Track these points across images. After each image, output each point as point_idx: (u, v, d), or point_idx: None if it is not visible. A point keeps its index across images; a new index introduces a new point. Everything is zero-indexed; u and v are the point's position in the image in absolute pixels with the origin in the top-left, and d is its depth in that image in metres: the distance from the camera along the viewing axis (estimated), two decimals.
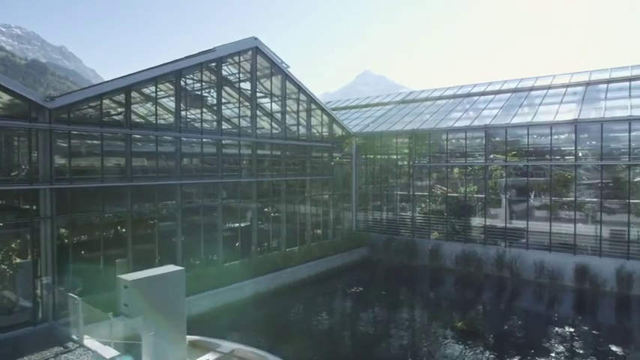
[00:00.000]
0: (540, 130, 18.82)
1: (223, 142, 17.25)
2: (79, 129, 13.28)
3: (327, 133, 22.81)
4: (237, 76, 18.56)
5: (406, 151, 23.01)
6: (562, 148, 18.97)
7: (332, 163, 22.96)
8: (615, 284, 16.34)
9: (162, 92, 15.58)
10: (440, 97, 26.34)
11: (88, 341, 9.55)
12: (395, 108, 26.90)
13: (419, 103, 26.59)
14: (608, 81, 21.32)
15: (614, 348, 11.92)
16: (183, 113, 16.05)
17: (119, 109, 14.73)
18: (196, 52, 16.94)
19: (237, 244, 17.82)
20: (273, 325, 14.02)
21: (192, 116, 16.90)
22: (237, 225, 18.03)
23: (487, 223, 19.80)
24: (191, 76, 16.49)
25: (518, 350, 11.81)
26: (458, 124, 20.91)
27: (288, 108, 20.68)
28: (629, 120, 16.60)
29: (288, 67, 19.74)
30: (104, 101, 13.61)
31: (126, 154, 14.03)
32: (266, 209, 19.66)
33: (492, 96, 23.93)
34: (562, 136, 18.74)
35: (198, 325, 12.04)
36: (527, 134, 18.80)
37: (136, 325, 8.63)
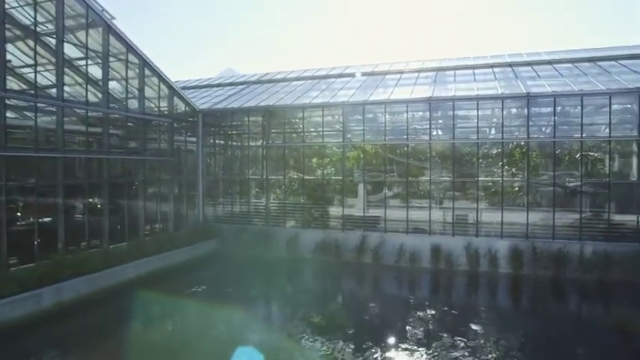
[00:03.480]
0: (397, 108, 18.23)
1: (8, 102, 12.70)
2: None
3: (167, 108, 19.26)
4: (38, 23, 14.00)
5: (260, 130, 20.70)
6: (417, 127, 18.76)
7: (174, 143, 19.47)
8: (466, 262, 16.35)
9: None
10: (297, 78, 24.69)
11: None
12: (249, 87, 24.44)
13: (275, 83, 24.60)
14: (455, 68, 22.03)
15: (474, 327, 11.21)
16: None
17: None
18: None
19: (35, 242, 13.42)
20: (74, 346, 10.33)
21: None
22: (37, 218, 13.61)
23: (345, 209, 18.58)
24: None
25: (380, 339, 10.34)
26: (315, 102, 19.34)
27: (115, 74, 16.78)
28: (477, 99, 16.82)
29: (112, 18, 15.84)
30: None
31: None
32: (82, 196, 15.42)
33: (349, 78, 23.12)
34: (418, 114, 18.48)
35: None
36: (385, 112, 18.04)
37: None
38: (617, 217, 15.64)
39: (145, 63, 17.22)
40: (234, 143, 21.85)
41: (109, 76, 16.17)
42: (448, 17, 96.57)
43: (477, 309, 13.29)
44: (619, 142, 16.39)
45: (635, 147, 15.52)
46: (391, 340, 10.33)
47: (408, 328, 11.18)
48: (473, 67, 21.64)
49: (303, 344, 10.18)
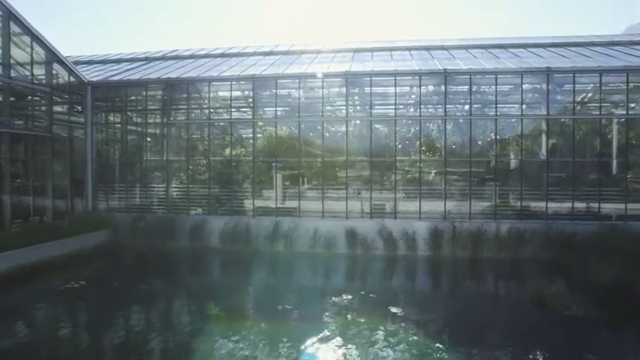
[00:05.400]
0: (312, 84, 16.99)
1: None
2: None
3: (45, 77, 16.29)
4: None
5: (160, 106, 18.34)
6: (334, 107, 17.72)
7: (52, 118, 16.52)
8: (384, 245, 15.50)
9: None
10: (207, 55, 22.56)
11: None
12: (151, 63, 21.84)
13: (181, 59, 22.24)
14: (373, 50, 21.37)
15: (393, 309, 10.18)
16: None
17: None
18: None
19: None
20: None
21: None
22: None
23: (260, 201, 17.00)
24: None
25: (294, 330, 8.93)
26: (224, 75, 17.48)
27: None
28: (395, 74, 16.13)
29: None
30: None
31: None
32: None
33: (262, 57, 21.50)
34: (334, 90, 17.37)
35: None
36: (299, 88, 16.72)
37: None
38: (529, 195, 15.70)
39: (10, 15, 14.24)
40: (131, 123, 19.21)
41: None
42: (364, 6, 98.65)
43: (397, 292, 12.38)
44: (531, 122, 16.53)
45: (544, 125, 15.68)
46: (307, 329, 8.91)
47: (324, 314, 9.85)
48: (390, 50, 21.12)
49: (205, 345, 8.41)
